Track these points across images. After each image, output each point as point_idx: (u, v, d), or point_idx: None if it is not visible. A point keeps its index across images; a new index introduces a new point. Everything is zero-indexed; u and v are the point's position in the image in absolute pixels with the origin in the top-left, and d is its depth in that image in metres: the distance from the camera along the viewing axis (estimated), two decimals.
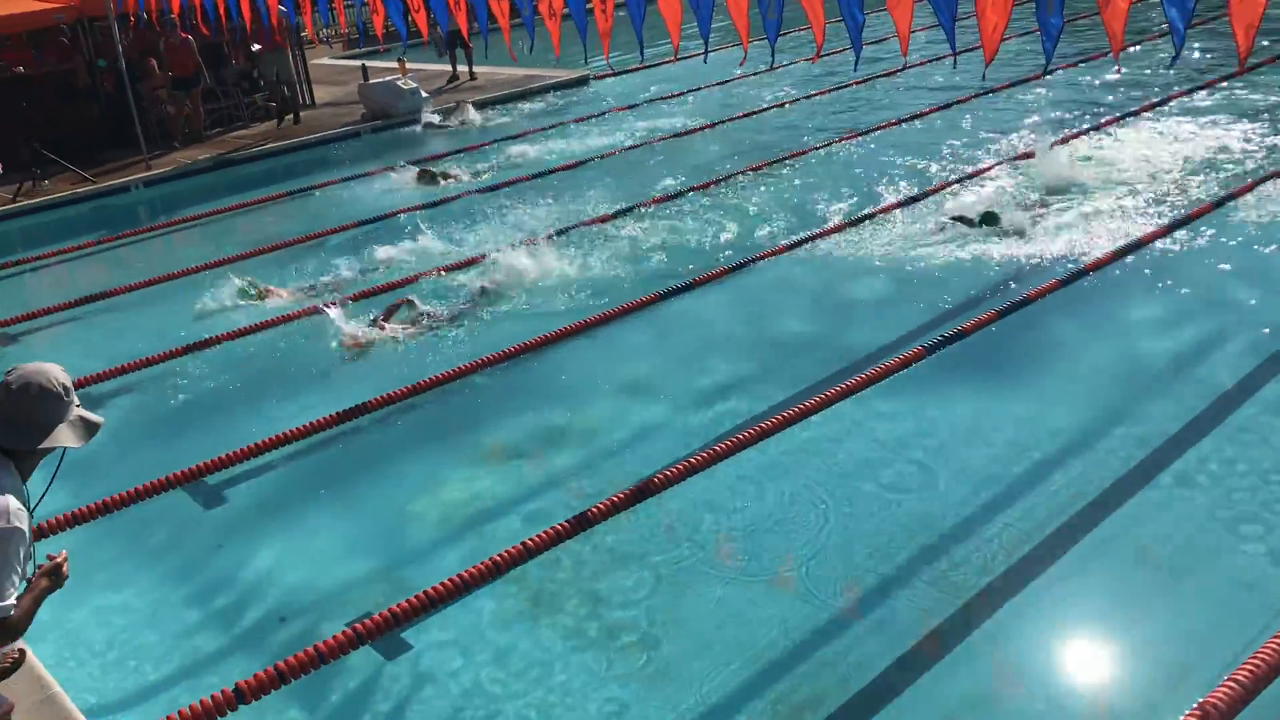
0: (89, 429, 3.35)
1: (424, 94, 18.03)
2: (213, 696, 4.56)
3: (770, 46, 7.56)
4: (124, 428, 7.53)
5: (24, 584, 3.29)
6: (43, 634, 4.64)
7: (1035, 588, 5.06)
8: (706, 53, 8.57)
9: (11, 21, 16.11)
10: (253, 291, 9.68)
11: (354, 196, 13.40)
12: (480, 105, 18.26)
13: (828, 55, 17.79)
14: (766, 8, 7.06)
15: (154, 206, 13.90)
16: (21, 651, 4.36)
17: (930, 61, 17.34)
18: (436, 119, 17.35)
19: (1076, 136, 12.59)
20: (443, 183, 13.39)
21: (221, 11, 13.64)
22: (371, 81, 18.44)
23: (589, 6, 9.07)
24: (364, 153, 16.00)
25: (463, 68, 20.64)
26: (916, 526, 5.58)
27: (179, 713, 4.50)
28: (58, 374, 3.31)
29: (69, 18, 16.61)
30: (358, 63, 21.49)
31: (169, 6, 14.81)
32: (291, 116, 17.75)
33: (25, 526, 3.18)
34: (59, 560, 3.37)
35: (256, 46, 18.31)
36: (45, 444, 3.26)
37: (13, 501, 3.18)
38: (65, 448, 3.32)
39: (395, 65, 19.80)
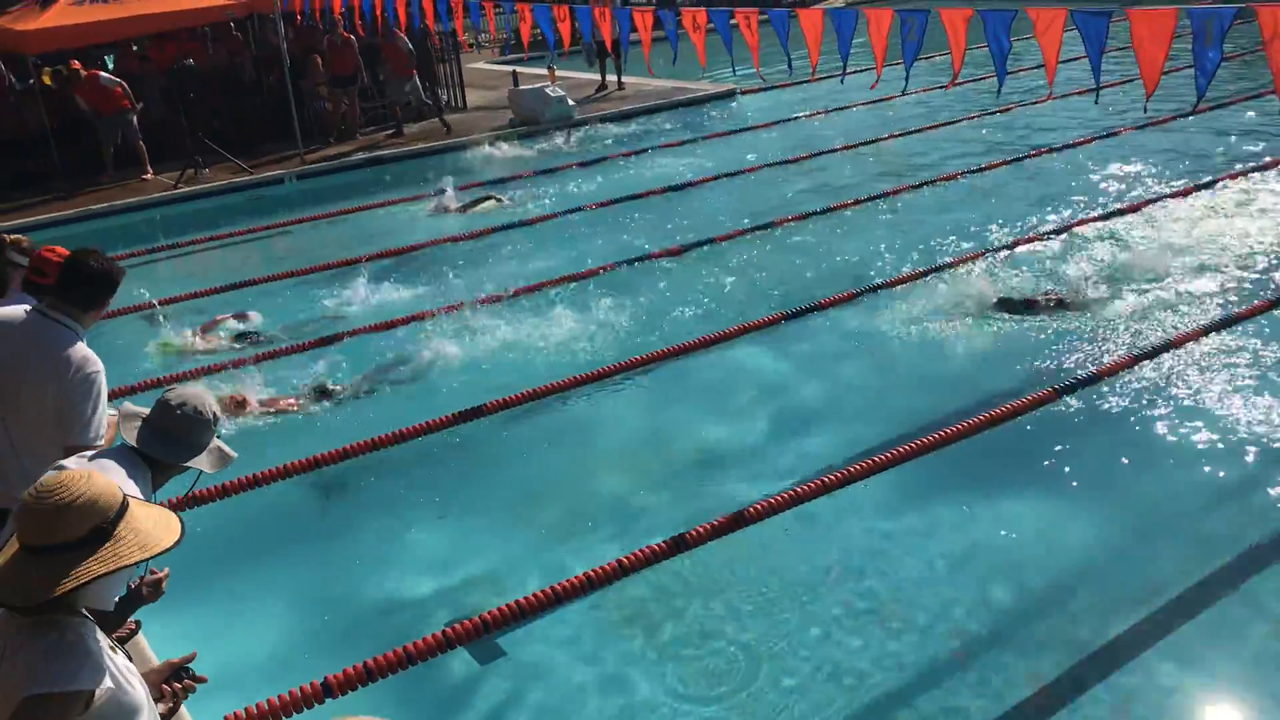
0: (223, 459, 3.55)
1: (571, 102, 18.21)
2: (300, 688, 4.65)
3: (906, 70, 7.35)
4: (253, 415, 7.77)
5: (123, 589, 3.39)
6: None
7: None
8: (844, 73, 8.39)
9: (188, 16, 16.95)
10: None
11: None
12: (622, 116, 18.38)
13: (964, 83, 17.41)
14: (908, 29, 6.87)
15: (304, 199, 14.37)
16: (138, 622, 4.51)
17: (1068, 96, 16.40)
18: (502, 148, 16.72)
19: (1196, 190, 11.36)
20: (487, 205, 13.19)
21: (378, 13, 14.06)
22: (520, 87, 18.73)
23: (733, 22, 9.00)
24: (505, 158, 16.24)
25: (611, 77, 20.78)
26: (1021, 576, 5.32)
27: (267, 701, 4.60)
28: (212, 402, 3.54)
29: (240, 13, 17.42)
30: (510, 68, 21.88)
31: (331, 6, 15.33)
32: (437, 122, 18.10)
33: None
34: (160, 576, 3.45)
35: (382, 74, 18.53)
36: (187, 463, 3.46)
37: (131, 487, 3.28)
38: (200, 471, 3.52)
39: (545, 72, 20.12)
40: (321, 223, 13.20)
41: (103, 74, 15.51)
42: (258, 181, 15.22)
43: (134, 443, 3.41)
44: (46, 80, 16.88)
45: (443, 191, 13.35)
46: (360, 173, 15.81)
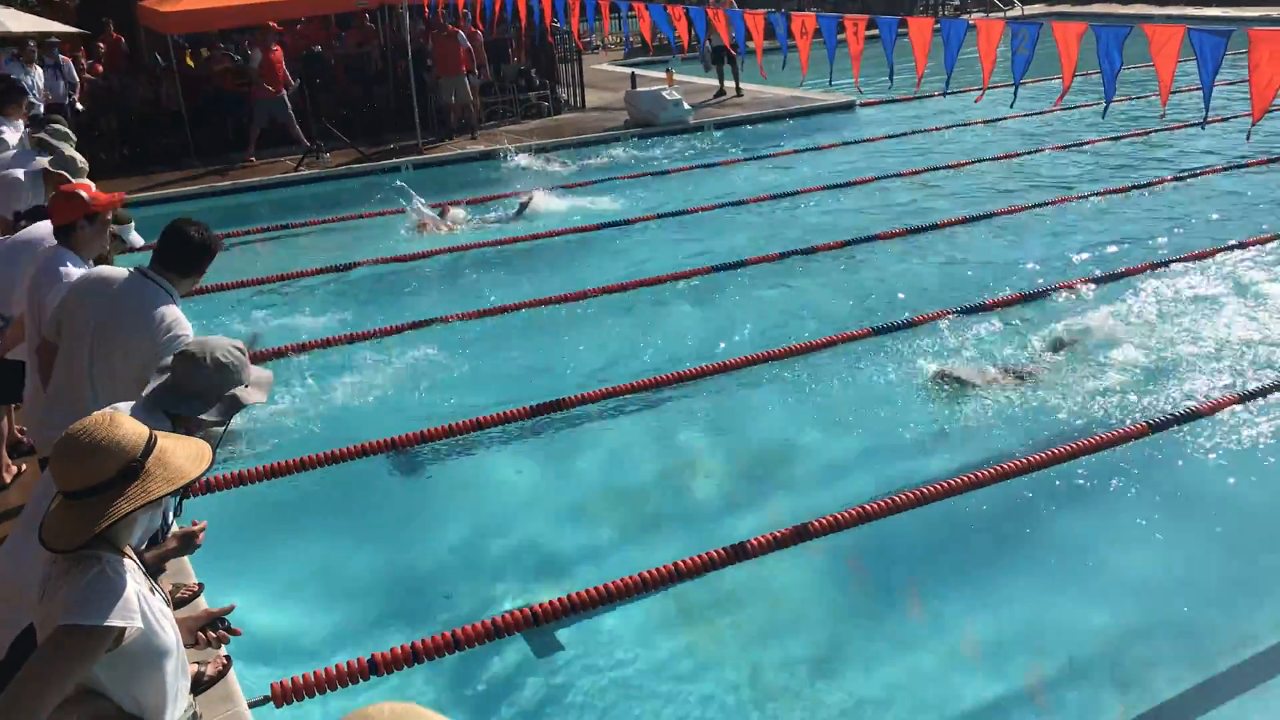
0: (232, 409, 3.36)
1: (687, 106, 18.19)
2: (348, 663, 4.71)
3: (1014, 85, 7.09)
4: (334, 391, 7.95)
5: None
6: (211, 569, 4.90)
7: None
8: (947, 90, 8.17)
9: (320, 4, 17.51)
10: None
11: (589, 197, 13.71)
12: (736, 123, 18.31)
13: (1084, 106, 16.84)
14: (1019, 43, 6.65)
15: (419, 187, 14.64)
16: (200, 585, 4.65)
17: (1186, 126, 15.46)
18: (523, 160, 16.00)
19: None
20: (435, 227, 12.44)
21: (496, 10, 14.26)
22: (638, 90, 18.80)
23: (840, 37, 8.85)
24: (622, 157, 16.32)
25: (729, 83, 20.68)
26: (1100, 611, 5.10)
27: (314, 672, 4.67)
28: (224, 350, 3.37)
29: (372, 3, 17.88)
30: (630, 70, 21.99)
31: (456, 2, 15.61)
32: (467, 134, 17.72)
33: None
34: (196, 529, 3.51)
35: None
36: (199, 415, 3.32)
37: None
38: (228, 423, 3.39)
39: (663, 75, 20.16)
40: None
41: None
42: (374, 169, 15.58)
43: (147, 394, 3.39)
44: (189, 62, 17.65)
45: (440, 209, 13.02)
46: (472, 166, 16.03)
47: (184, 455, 2.72)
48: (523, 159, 15.93)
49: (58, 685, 2.44)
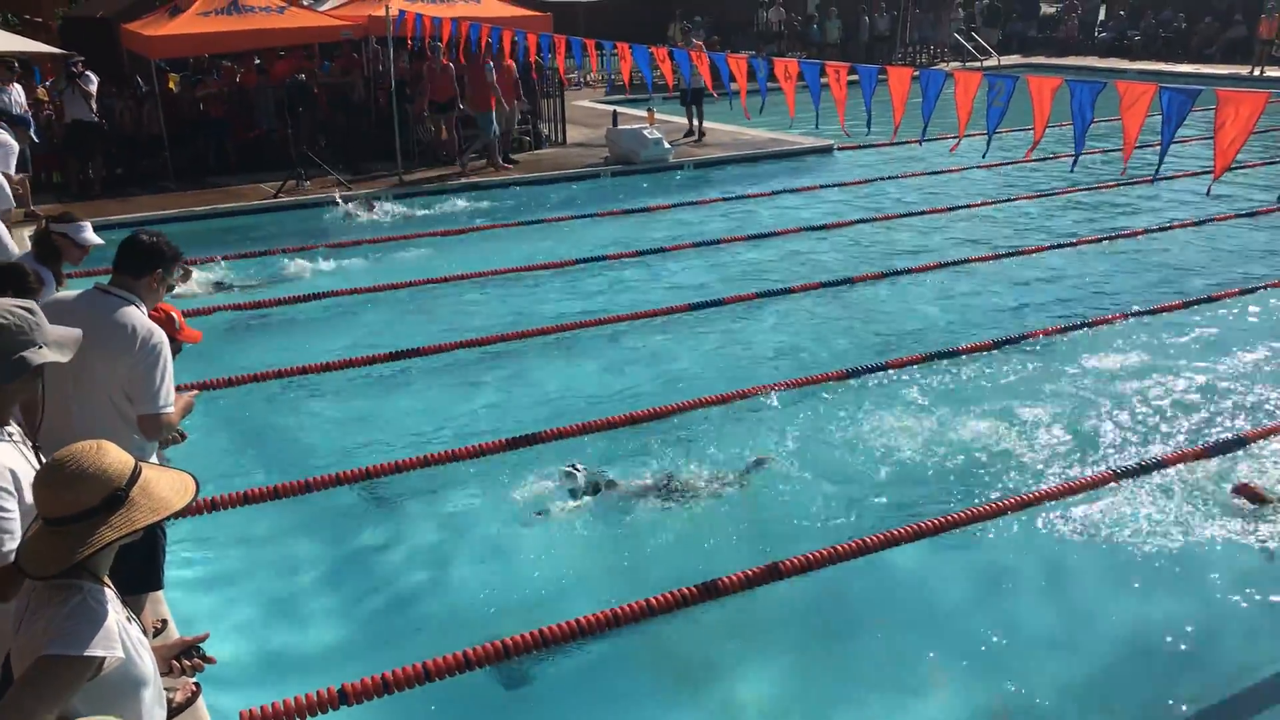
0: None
1: (667, 145, 18.36)
2: (318, 692, 4.70)
3: (988, 135, 7.25)
4: (304, 422, 7.95)
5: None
6: (182, 598, 4.89)
7: None
8: (924, 138, 8.33)
9: (305, 34, 17.61)
10: None
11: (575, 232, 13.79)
12: (717, 163, 18.49)
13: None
14: (994, 95, 6.80)
15: (397, 218, 14.69)
16: (164, 621, 4.63)
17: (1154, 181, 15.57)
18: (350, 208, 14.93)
19: None
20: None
21: (483, 46, 14.39)
22: (619, 127, 18.96)
23: (824, 81, 9.01)
24: (601, 194, 16.44)
25: (695, 122, 20.79)
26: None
27: (283, 701, 4.66)
28: (8, 308, 3.14)
29: (357, 35, 17.99)
30: (612, 108, 22.18)
31: (439, 34, 15.74)
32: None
33: None
34: None
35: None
36: None
37: None
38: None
39: (644, 114, 20.32)
40: (405, 242, 13.46)
41: None
42: (351, 197, 15.60)
43: None
44: (172, 85, 17.65)
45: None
46: (448, 196, 16.07)
47: (168, 486, 2.72)
48: (353, 207, 14.90)
49: (39, 717, 2.41)
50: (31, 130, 14.36)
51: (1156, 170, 6.64)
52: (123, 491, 2.59)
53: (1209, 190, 7.35)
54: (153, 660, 2.80)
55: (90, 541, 2.54)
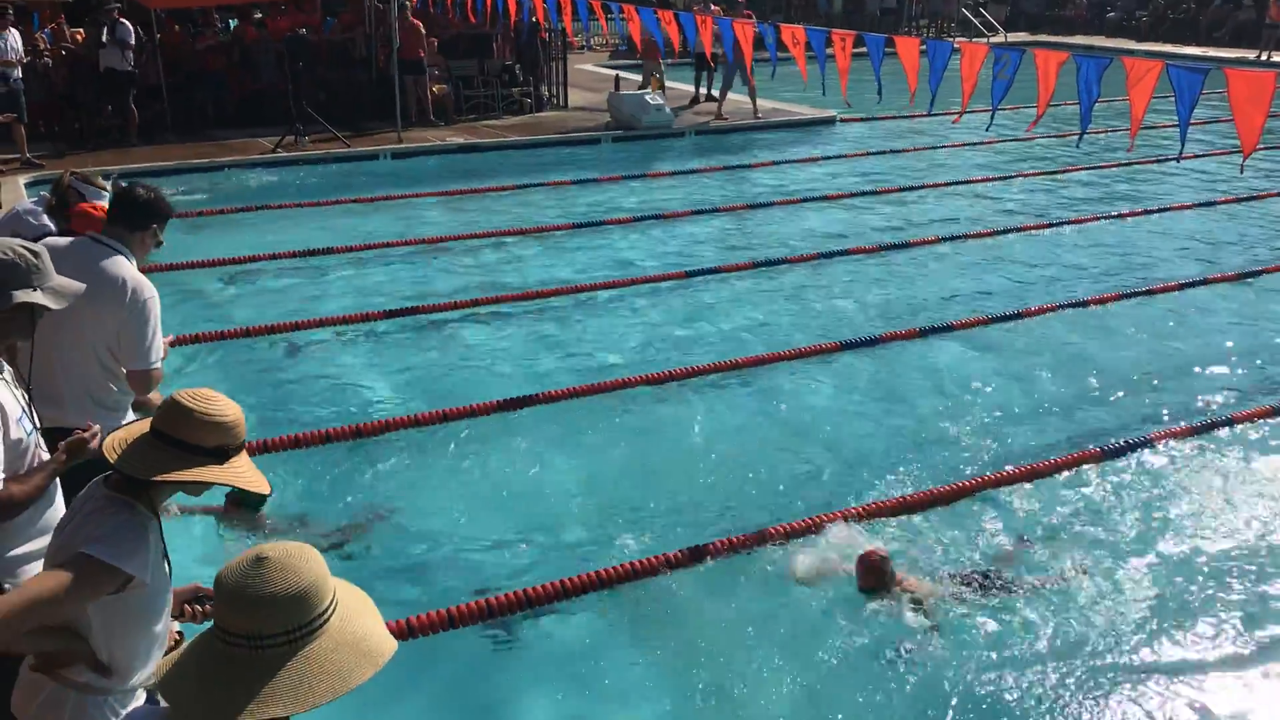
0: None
1: (669, 111, 18.22)
2: None
3: (992, 109, 7.18)
4: (304, 376, 7.94)
5: None
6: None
7: None
8: (931, 110, 8.27)
9: None
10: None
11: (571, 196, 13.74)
12: (719, 131, 18.39)
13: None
14: (1000, 68, 6.74)
15: (398, 177, 14.62)
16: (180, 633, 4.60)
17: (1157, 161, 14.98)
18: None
19: None
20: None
21: (488, 5, 14.27)
22: (621, 92, 18.83)
23: (830, 52, 8.94)
24: (603, 158, 16.36)
25: (704, 90, 20.70)
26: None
27: None
28: (11, 245, 3.26)
29: None
30: (615, 72, 22.03)
31: None
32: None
33: None
34: (86, 435, 3.31)
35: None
36: None
37: None
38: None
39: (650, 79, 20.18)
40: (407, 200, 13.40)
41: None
42: (351, 155, 15.51)
43: None
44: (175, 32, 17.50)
45: None
46: (448, 157, 15.98)
47: (256, 472, 2.84)
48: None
49: (56, 603, 2.55)
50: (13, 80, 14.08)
51: (1180, 150, 6.55)
52: (233, 450, 2.75)
53: (1241, 169, 7.32)
54: (170, 603, 2.97)
55: (183, 472, 2.68)
